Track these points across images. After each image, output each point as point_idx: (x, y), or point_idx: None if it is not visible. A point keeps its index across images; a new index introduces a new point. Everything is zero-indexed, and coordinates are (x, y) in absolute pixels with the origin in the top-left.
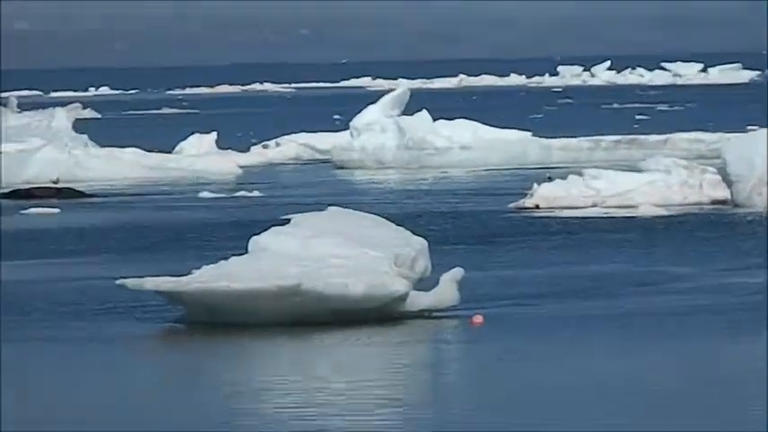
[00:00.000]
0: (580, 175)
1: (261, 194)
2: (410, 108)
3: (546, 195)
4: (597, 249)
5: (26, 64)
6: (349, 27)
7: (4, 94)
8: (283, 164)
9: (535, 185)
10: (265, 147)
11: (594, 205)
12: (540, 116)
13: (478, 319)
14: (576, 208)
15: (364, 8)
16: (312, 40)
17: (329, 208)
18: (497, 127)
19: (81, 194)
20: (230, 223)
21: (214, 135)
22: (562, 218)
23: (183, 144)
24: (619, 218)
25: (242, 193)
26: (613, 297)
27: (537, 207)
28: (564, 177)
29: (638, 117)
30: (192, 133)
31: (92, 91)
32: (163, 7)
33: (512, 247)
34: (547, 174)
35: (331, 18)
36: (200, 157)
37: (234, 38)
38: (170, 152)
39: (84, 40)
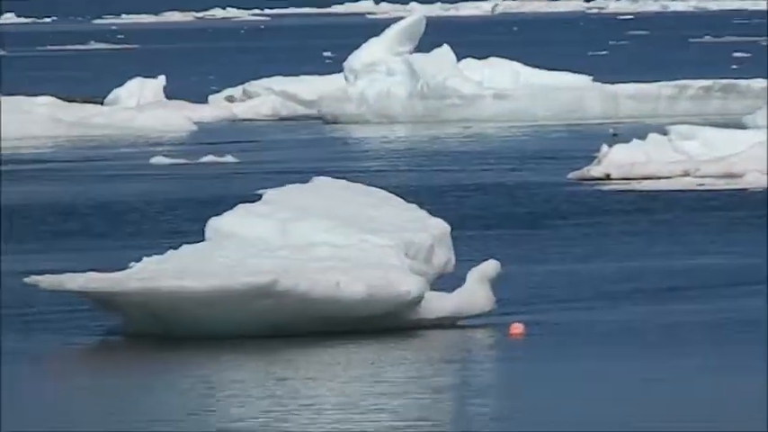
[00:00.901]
0: (664, 133)
1: (221, 160)
2: (426, 43)
3: (619, 161)
4: (688, 235)
5: None
6: None
7: None
8: (253, 120)
9: (604, 147)
10: (230, 99)
11: (686, 174)
12: (603, 53)
13: (517, 328)
14: (661, 178)
15: None
16: None
17: (315, 179)
18: (545, 69)
19: None
20: (180, 200)
21: (161, 80)
22: (642, 191)
23: (118, 92)
24: (718, 191)
25: (196, 158)
26: (708, 299)
27: (607, 177)
28: (642, 137)
29: (736, 55)
30: (132, 77)
31: None
32: None
33: (569, 231)
34: (611, 129)
35: None
36: (141, 110)
37: None
38: (100, 103)
39: None
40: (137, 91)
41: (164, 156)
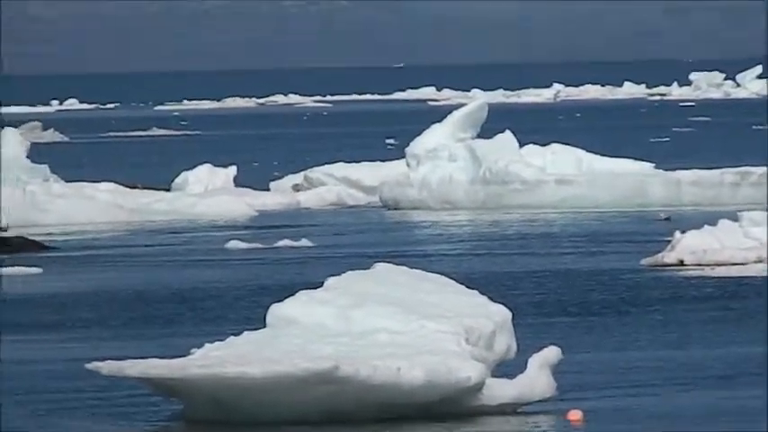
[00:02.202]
0: (734, 219)
1: (283, 248)
2: (488, 129)
3: (693, 247)
4: (763, 321)
5: None
6: (406, 18)
7: None
8: (314, 206)
9: (677, 234)
10: (297, 188)
11: (759, 260)
12: (665, 140)
13: (576, 415)
14: (735, 264)
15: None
16: (355, 35)
17: (376, 265)
18: (607, 155)
19: (38, 246)
20: (242, 287)
21: (232, 170)
22: (717, 278)
23: (186, 175)
24: None
25: (257, 245)
26: None
27: (681, 263)
28: (711, 223)
29: None
30: (201, 164)
31: (54, 105)
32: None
33: (638, 318)
34: (662, 213)
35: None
36: (203, 197)
37: (245, 33)
38: (164, 189)
39: (42, 34)
40: (205, 178)
41: (239, 240)
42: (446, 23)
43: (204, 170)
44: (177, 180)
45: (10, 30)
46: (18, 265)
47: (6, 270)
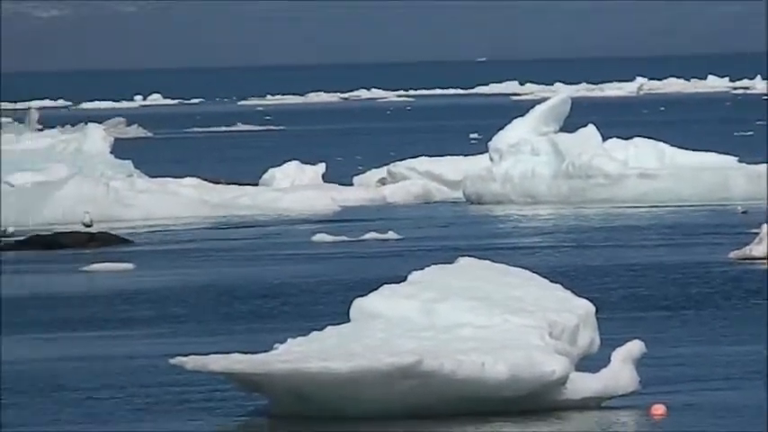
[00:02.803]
0: None
1: (367, 241)
2: (571, 123)
3: None
4: None
5: (51, 64)
6: (488, 13)
7: (21, 105)
8: (397, 200)
9: (765, 227)
10: (382, 182)
11: None
12: (749, 134)
13: (659, 409)
14: None
15: None
16: (436, 30)
17: (459, 260)
18: (690, 149)
19: (123, 242)
20: (325, 281)
21: (321, 167)
22: None
23: (273, 172)
24: None
25: (342, 238)
26: None
27: None
28: None
29: None
30: (288, 160)
31: (138, 101)
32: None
33: (725, 311)
34: (739, 207)
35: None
36: (286, 192)
37: (327, 28)
38: (247, 184)
39: (126, 31)
40: (293, 174)
41: (324, 233)
42: (528, 16)
43: (292, 167)
44: (265, 176)
45: (93, 25)
46: (108, 261)
47: (98, 266)
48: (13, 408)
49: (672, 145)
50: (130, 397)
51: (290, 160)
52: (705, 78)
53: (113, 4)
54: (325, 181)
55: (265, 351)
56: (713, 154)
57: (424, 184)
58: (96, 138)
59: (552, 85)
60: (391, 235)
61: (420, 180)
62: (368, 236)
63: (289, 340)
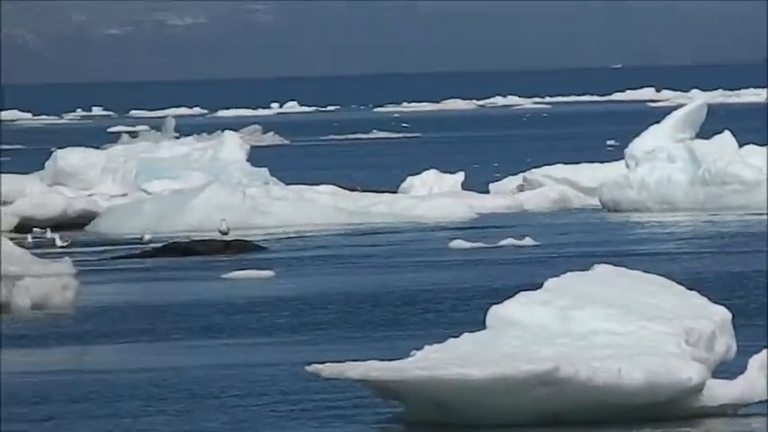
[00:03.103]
0: None
1: (504, 248)
2: (707, 129)
3: None
4: None
5: (187, 73)
6: (623, 19)
7: (158, 113)
8: (535, 209)
9: None
10: (521, 189)
11: None
12: None
13: None
14: None
15: None
16: (572, 37)
17: (596, 267)
18: None
19: (259, 249)
20: (461, 288)
21: (460, 176)
22: None
23: (411, 180)
24: None
25: (479, 244)
26: None
27: None
28: None
29: None
30: (422, 167)
31: (274, 108)
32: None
33: None
34: None
35: (595, 8)
36: (423, 200)
37: (462, 35)
38: (385, 191)
39: (261, 41)
40: (432, 182)
41: (462, 239)
42: (663, 23)
43: (431, 175)
44: (403, 185)
45: (229, 34)
46: (246, 269)
47: (238, 273)
48: (156, 414)
49: None
50: (271, 404)
51: (427, 168)
52: None
53: (250, 13)
54: (463, 189)
55: (402, 358)
56: None
57: (561, 191)
58: (232, 145)
59: (688, 91)
60: (528, 242)
61: (557, 186)
62: (504, 242)
63: (425, 347)
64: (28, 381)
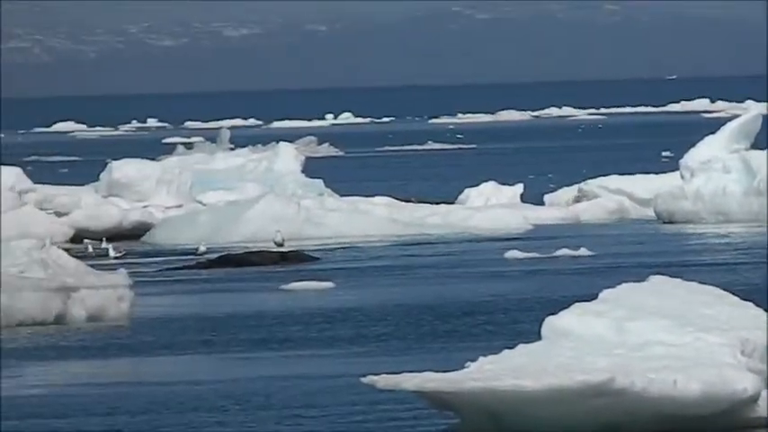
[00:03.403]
0: None
1: (558, 259)
2: (763, 140)
3: None
4: None
5: (241, 84)
6: (677, 31)
7: (212, 125)
8: (590, 220)
9: None
10: (578, 200)
11: None
12: None
13: None
14: None
15: (696, 7)
16: (627, 48)
17: (651, 277)
18: None
19: (314, 261)
20: (515, 299)
21: (519, 188)
22: None
23: (469, 193)
24: None
25: (534, 255)
26: None
27: None
28: None
29: None
30: (479, 179)
31: (329, 119)
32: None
33: None
34: None
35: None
36: (476, 211)
37: (516, 46)
38: (440, 202)
39: (316, 50)
40: (490, 194)
41: (517, 250)
42: (717, 34)
43: (489, 187)
44: (461, 196)
45: (282, 45)
46: (302, 280)
47: (297, 285)
48: (217, 426)
49: None
50: (329, 416)
51: (483, 180)
52: None
53: (305, 24)
54: (523, 201)
55: (457, 369)
56: None
57: (618, 201)
58: (287, 157)
59: (743, 102)
60: (583, 252)
61: (613, 197)
62: (559, 253)
63: (480, 358)
64: (90, 392)
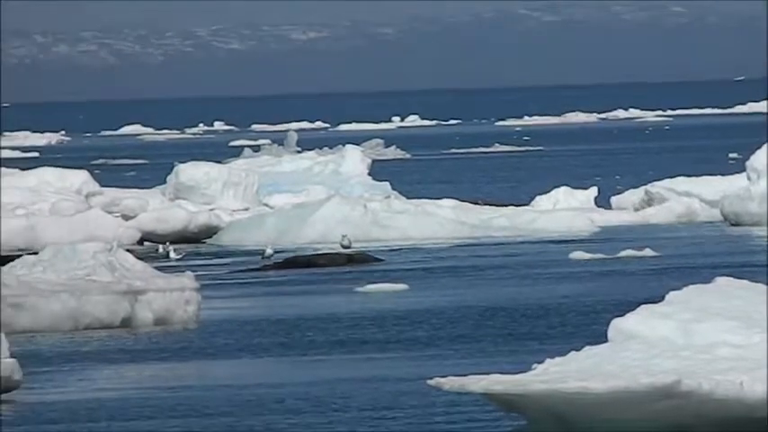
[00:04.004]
0: None
1: (623, 261)
2: None
3: None
4: None
5: (308, 86)
6: (743, 32)
7: (280, 127)
8: (656, 222)
9: None
10: (643, 202)
11: None
12: None
13: None
14: None
15: (764, 6)
16: (694, 49)
17: (717, 279)
18: None
19: (381, 263)
20: (583, 301)
21: (592, 191)
22: None
23: (542, 198)
24: None
25: (599, 256)
26: None
27: None
28: None
29: None
30: (552, 182)
31: (396, 122)
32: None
33: None
34: None
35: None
36: (542, 213)
37: (583, 48)
38: (510, 205)
39: (383, 52)
40: (563, 198)
41: (583, 251)
42: None
43: (561, 192)
44: (534, 201)
45: (353, 48)
46: (376, 282)
47: (373, 287)
48: (292, 428)
49: None
50: (398, 418)
51: (550, 182)
52: None
53: (371, 26)
54: (597, 205)
55: (524, 371)
56: None
57: (687, 204)
58: (354, 159)
59: None
60: (648, 253)
61: (682, 199)
62: (624, 254)
63: (547, 360)
64: (160, 395)
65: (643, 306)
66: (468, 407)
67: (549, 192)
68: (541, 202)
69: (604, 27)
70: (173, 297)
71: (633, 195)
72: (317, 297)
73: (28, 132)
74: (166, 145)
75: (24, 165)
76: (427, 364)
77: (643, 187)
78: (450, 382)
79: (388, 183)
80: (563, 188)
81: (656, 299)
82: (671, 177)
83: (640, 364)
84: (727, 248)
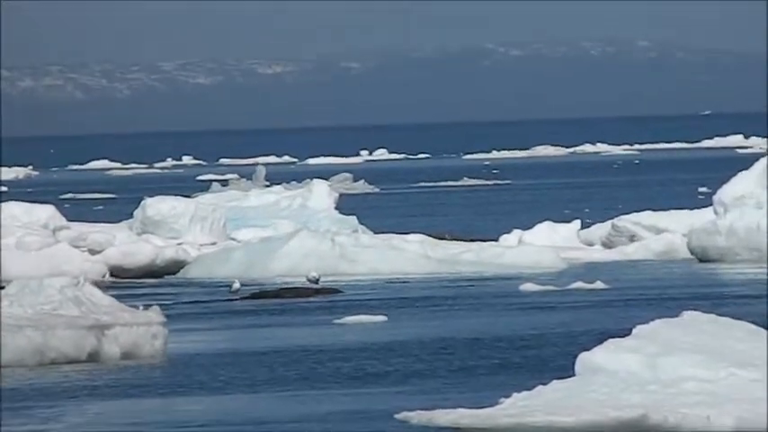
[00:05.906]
0: None
1: (587, 294)
2: None
3: None
4: None
5: (275, 121)
6: (710, 68)
7: (248, 161)
8: (621, 257)
9: None
10: (611, 236)
11: None
12: None
13: None
14: None
15: (728, 43)
16: (662, 84)
17: (684, 313)
18: None
19: (348, 295)
20: (549, 335)
21: (575, 225)
22: None
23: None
24: None
25: (565, 290)
26: None
27: None
28: None
29: None
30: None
31: (364, 155)
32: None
33: None
34: None
35: (682, 57)
36: (509, 248)
37: (550, 84)
38: (478, 240)
39: (349, 87)
40: (545, 233)
41: (534, 283)
42: (750, 70)
43: (544, 227)
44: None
45: (316, 83)
46: (361, 314)
47: (351, 318)
48: None
49: None
50: None
51: (521, 215)
52: None
53: (337, 62)
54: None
55: (491, 405)
56: None
57: (668, 242)
58: (321, 193)
59: None
60: (615, 286)
61: (658, 236)
62: (591, 287)
63: (514, 394)
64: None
65: (610, 340)
66: None
67: (532, 227)
68: (510, 237)
69: (571, 62)
70: (139, 331)
71: (599, 230)
72: (285, 329)
73: None
74: (134, 179)
75: None
76: (396, 398)
77: (610, 221)
78: (418, 416)
79: (354, 217)
80: (545, 223)
81: (624, 333)
82: (638, 212)
83: (608, 398)
84: (695, 282)
